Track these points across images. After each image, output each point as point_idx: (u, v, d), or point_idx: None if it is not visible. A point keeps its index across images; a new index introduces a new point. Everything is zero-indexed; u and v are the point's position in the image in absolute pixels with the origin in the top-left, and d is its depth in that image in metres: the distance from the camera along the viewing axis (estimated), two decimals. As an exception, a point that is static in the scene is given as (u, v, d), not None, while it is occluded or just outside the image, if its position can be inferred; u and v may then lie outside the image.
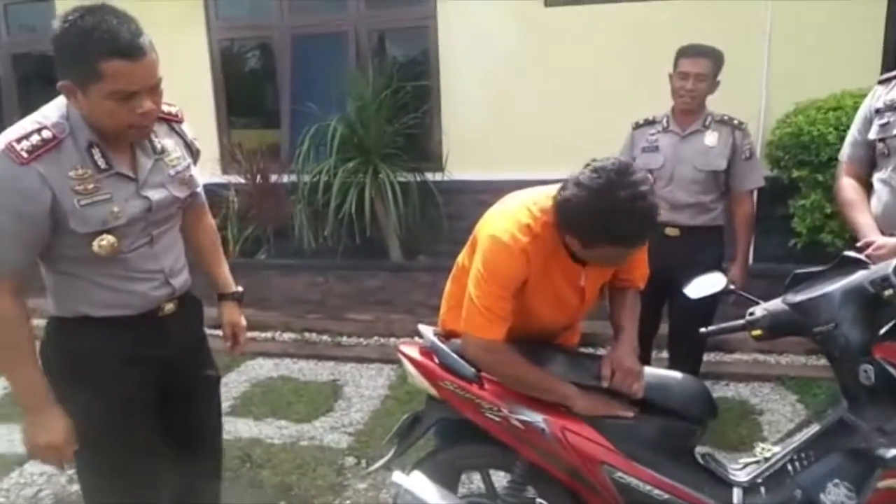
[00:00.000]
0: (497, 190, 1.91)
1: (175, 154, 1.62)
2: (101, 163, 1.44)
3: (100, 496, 1.65)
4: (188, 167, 1.66)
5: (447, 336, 1.88)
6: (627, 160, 1.56)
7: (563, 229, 1.58)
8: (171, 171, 1.59)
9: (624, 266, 1.82)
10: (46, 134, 1.38)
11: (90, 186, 1.41)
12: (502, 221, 1.65)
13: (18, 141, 1.35)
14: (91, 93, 1.33)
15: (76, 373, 1.50)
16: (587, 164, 1.53)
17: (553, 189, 1.66)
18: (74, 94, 1.37)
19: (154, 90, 1.41)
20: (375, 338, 4.43)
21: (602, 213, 1.46)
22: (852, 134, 2.18)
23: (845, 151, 2.22)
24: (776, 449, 1.65)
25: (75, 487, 2.74)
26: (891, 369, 1.47)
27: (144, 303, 1.57)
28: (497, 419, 1.68)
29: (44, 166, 1.36)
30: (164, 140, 1.60)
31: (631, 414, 1.67)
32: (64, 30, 1.32)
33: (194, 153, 1.72)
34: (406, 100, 4.89)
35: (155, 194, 1.54)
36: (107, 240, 1.44)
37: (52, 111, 1.44)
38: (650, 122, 2.88)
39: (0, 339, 1.43)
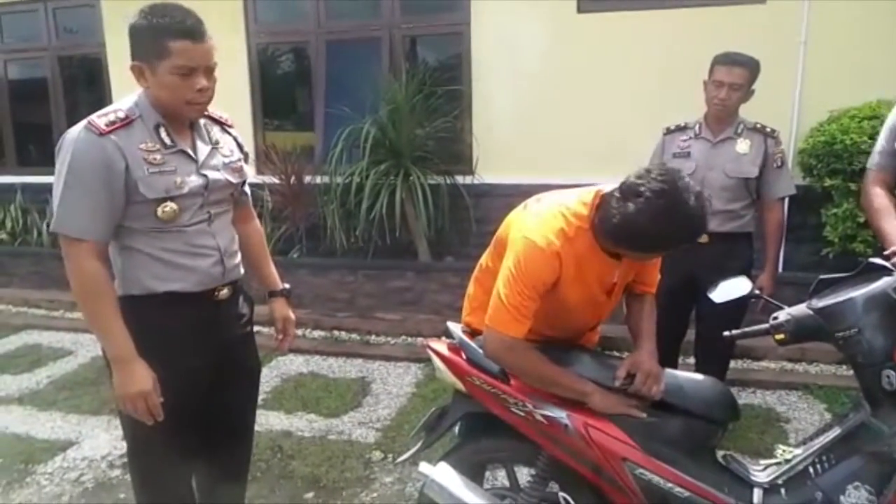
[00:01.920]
0: (526, 193, 1.95)
1: (227, 148, 1.82)
2: (167, 140, 1.65)
3: (144, 469, 1.78)
4: (239, 160, 1.85)
5: (473, 335, 1.93)
6: (671, 167, 1.61)
7: (624, 245, 1.61)
8: (225, 160, 1.79)
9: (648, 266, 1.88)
10: (120, 114, 1.60)
11: (158, 157, 1.61)
12: (537, 225, 1.68)
13: (98, 118, 1.58)
14: (158, 69, 1.56)
15: (138, 349, 1.61)
16: (633, 182, 1.55)
17: (585, 194, 1.71)
18: (143, 74, 1.60)
19: (210, 72, 1.62)
20: (403, 337, 4.51)
21: (675, 219, 1.51)
22: (880, 143, 2.19)
23: (873, 160, 2.22)
24: (797, 451, 1.67)
25: (116, 472, 2.87)
26: (914, 375, 1.49)
27: (202, 279, 1.71)
28: (522, 414, 1.73)
29: (119, 138, 1.57)
30: (218, 136, 1.81)
31: (644, 415, 1.70)
32: (140, 18, 1.57)
33: (244, 154, 1.90)
34: (438, 104, 4.97)
35: (212, 174, 1.73)
36: (170, 206, 1.63)
37: (124, 101, 1.66)
38: (681, 129, 2.89)
39: (92, 296, 1.59)
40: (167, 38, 1.53)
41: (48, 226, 1.64)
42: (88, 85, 6.30)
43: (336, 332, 4.61)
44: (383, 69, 5.22)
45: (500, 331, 1.68)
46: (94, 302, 1.59)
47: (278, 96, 5.92)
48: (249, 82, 5.58)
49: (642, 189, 1.51)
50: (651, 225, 1.51)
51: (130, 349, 1.59)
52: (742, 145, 2.74)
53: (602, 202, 1.65)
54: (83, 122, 1.58)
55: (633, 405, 1.71)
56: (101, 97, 5.78)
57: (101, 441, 3.13)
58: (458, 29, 5.08)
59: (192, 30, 1.56)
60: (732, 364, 3.26)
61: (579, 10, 4.74)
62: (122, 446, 2.92)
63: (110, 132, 1.56)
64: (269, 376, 3.87)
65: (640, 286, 1.92)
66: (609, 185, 1.69)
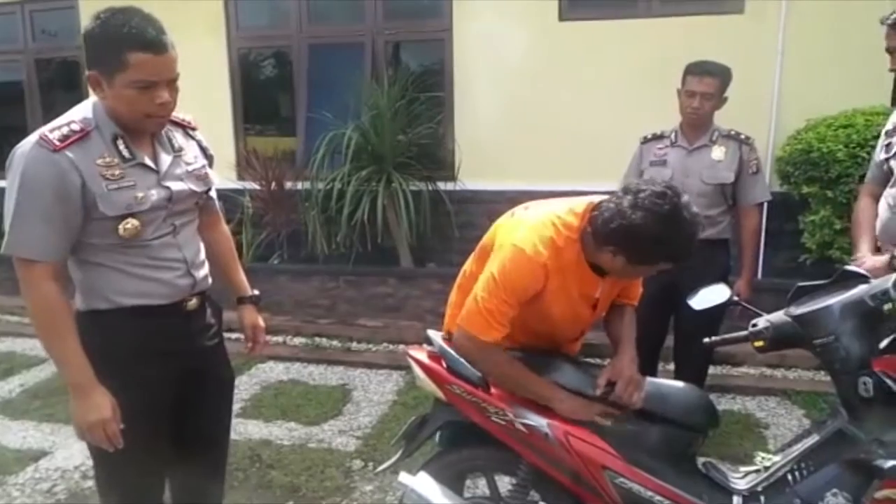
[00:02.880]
0: (508, 200, 1.95)
1: (191, 154, 1.74)
2: (126, 153, 1.56)
3: (112, 484, 1.73)
4: (203, 167, 1.77)
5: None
6: (672, 184, 1.64)
7: (619, 249, 1.61)
8: (188, 168, 1.71)
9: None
10: (75, 126, 1.51)
11: (116, 172, 1.52)
12: (527, 233, 1.68)
13: (51, 132, 1.49)
14: (116, 82, 1.47)
15: (103, 365, 1.56)
16: (636, 188, 1.59)
17: (576, 204, 1.72)
18: (100, 85, 1.50)
19: (172, 84, 1.54)
20: (384, 344, 4.48)
21: (673, 234, 1.56)
22: (873, 156, 2.25)
23: (868, 173, 2.29)
24: (776, 458, 1.68)
25: (89, 483, 2.80)
26: (889, 382, 1.50)
27: (169, 291, 1.66)
28: (502, 423, 1.72)
29: (74, 153, 1.48)
30: (181, 142, 1.73)
31: (608, 422, 1.69)
32: (96, 25, 1.47)
33: (209, 158, 1.82)
34: (420, 110, 4.96)
35: (175, 185, 1.64)
36: (131, 223, 1.55)
37: (79, 110, 1.57)
38: (658, 137, 2.92)
39: (49, 320, 1.52)
40: (125, 50, 1.43)
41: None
42: (66, 88, 6.20)
43: (317, 339, 4.58)
44: (365, 74, 5.20)
45: (472, 334, 1.70)
46: (50, 327, 1.52)
47: (260, 101, 5.87)
48: (230, 87, 5.53)
49: (647, 196, 1.55)
50: (652, 229, 1.54)
51: (89, 375, 1.53)
52: (717, 152, 2.77)
53: (598, 210, 1.65)
54: (34, 136, 1.48)
55: (600, 412, 1.71)
56: (78, 101, 5.63)
57: (74, 451, 3.06)
58: (441, 35, 5.08)
59: (153, 42, 1.45)
60: (712, 370, 3.28)
61: (560, 19, 4.78)
62: (95, 458, 2.88)
63: (64, 147, 1.46)
64: (249, 384, 3.82)
65: (623, 299, 1.95)
66: (599, 196, 1.70)
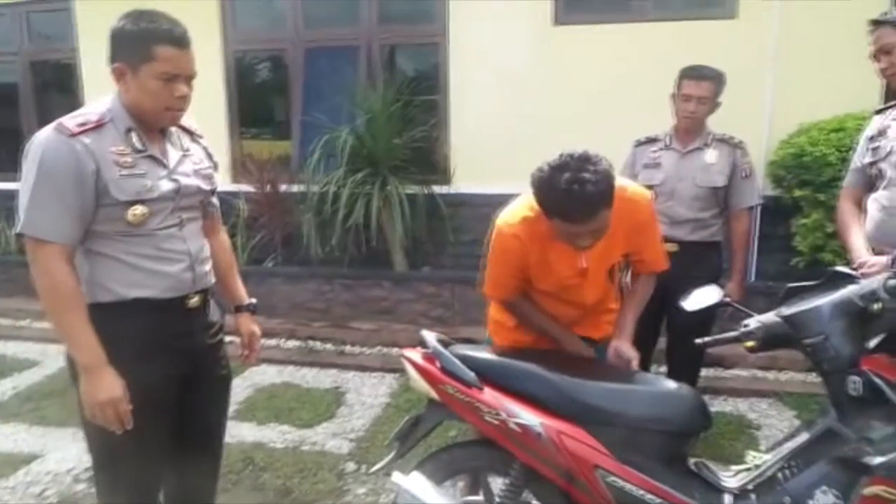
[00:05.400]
0: (502, 204, 1.98)
1: (198, 156, 1.82)
2: (138, 145, 1.63)
3: (111, 480, 1.73)
4: (210, 168, 1.85)
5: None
6: (595, 152, 1.69)
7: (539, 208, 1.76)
8: (196, 167, 1.78)
9: (627, 246, 1.98)
10: (92, 117, 1.59)
11: (129, 160, 1.60)
12: (505, 212, 1.93)
13: (68, 120, 1.56)
14: (141, 72, 1.57)
15: (108, 357, 1.58)
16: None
17: None
18: (124, 76, 1.60)
19: (190, 80, 1.65)
20: (378, 347, 4.48)
21: (546, 190, 1.68)
22: (853, 161, 2.29)
23: (847, 178, 2.31)
24: (766, 457, 1.69)
25: (81, 486, 2.80)
26: (878, 381, 1.52)
27: (172, 284, 1.69)
28: (495, 423, 1.73)
29: (90, 140, 1.55)
30: (188, 144, 1.80)
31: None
32: (126, 22, 1.59)
33: (214, 164, 1.89)
34: (415, 113, 4.98)
35: (183, 179, 1.72)
36: (140, 209, 1.61)
37: (96, 104, 1.65)
38: (652, 140, 2.94)
39: (61, 300, 1.55)
40: (155, 42, 1.55)
41: (17, 235, 1.60)
42: (61, 90, 6.19)
43: (311, 342, 4.57)
44: (360, 78, 5.22)
45: (490, 295, 2.07)
46: (62, 307, 1.56)
47: (255, 104, 5.88)
48: (226, 90, 5.54)
49: (549, 160, 1.70)
50: (537, 188, 1.71)
51: (100, 355, 1.56)
52: (710, 156, 2.79)
53: None
54: (53, 124, 1.56)
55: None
56: (73, 103, 5.66)
57: (66, 454, 3.05)
58: (435, 39, 5.10)
59: (180, 37, 1.59)
60: (704, 372, 3.29)
61: (555, 23, 4.80)
62: (88, 460, 2.86)
63: (80, 134, 1.54)
64: (242, 387, 3.81)
65: (641, 265, 2.07)
66: None
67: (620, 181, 1.82)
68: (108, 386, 1.56)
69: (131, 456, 1.66)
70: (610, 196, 1.66)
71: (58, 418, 3.41)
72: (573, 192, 1.61)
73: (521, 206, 1.89)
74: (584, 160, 1.64)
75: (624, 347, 1.96)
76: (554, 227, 1.74)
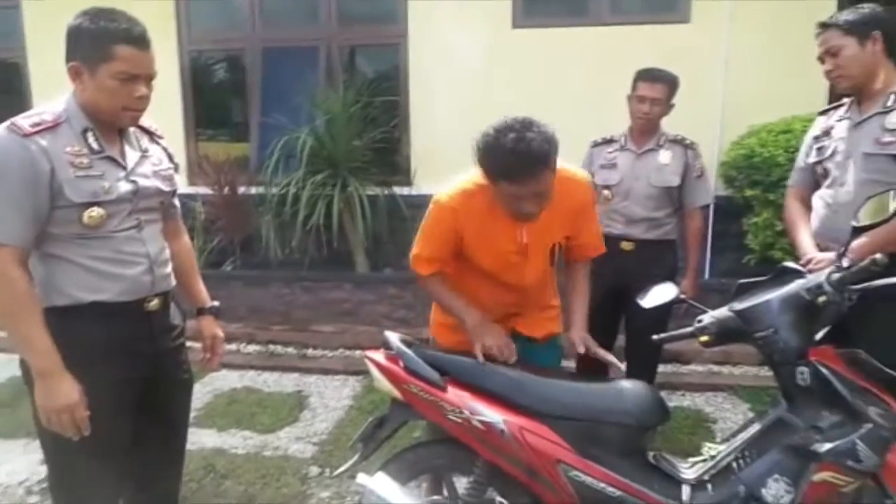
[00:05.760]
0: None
1: (157, 157, 1.79)
2: (95, 146, 1.60)
3: (67, 488, 1.69)
4: (169, 169, 1.81)
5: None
6: (525, 117, 1.76)
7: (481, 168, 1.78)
8: (155, 168, 1.75)
9: (569, 226, 1.99)
10: (46, 117, 1.56)
11: (85, 161, 1.57)
12: (445, 188, 1.94)
13: (22, 119, 1.53)
14: (99, 72, 1.54)
15: (65, 363, 1.54)
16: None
17: None
18: (81, 75, 1.56)
19: (149, 80, 1.62)
20: (341, 349, 4.44)
21: (492, 150, 1.70)
22: (798, 161, 2.37)
23: (792, 177, 2.39)
24: (721, 447, 1.75)
25: (34, 499, 2.71)
26: (825, 371, 1.58)
27: (130, 287, 1.65)
28: (458, 421, 1.74)
29: (44, 140, 1.52)
30: (147, 145, 1.77)
31: (514, 358, 1.85)
32: (84, 19, 1.55)
33: (174, 164, 1.86)
34: (375, 114, 4.97)
35: (142, 181, 1.68)
36: (96, 211, 1.57)
37: (51, 105, 1.61)
38: (608, 141, 3.00)
39: (13, 304, 1.52)
40: (114, 42, 1.52)
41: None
42: (8, 91, 5.98)
43: (271, 346, 4.52)
44: (320, 79, 5.18)
45: (414, 266, 2.02)
46: (15, 311, 1.51)
47: (211, 105, 5.78)
48: (181, 90, 5.44)
49: (494, 123, 1.74)
50: (481, 156, 1.74)
51: (56, 360, 1.53)
52: (664, 156, 2.87)
53: None
54: (6, 124, 1.52)
55: (508, 351, 1.85)
56: (21, 104, 5.48)
57: (17, 466, 2.95)
58: (396, 40, 5.10)
59: (139, 37, 1.56)
60: (662, 368, 3.36)
61: (514, 26, 4.86)
62: (41, 471, 2.78)
63: (35, 134, 1.51)
64: (201, 392, 3.74)
65: (578, 250, 2.06)
66: None
67: (562, 163, 1.87)
68: (65, 391, 1.53)
69: (89, 463, 1.62)
70: (553, 158, 1.70)
71: (7, 430, 3.29)
72: (519, 150, 1.65)
73: (463, 181, 1.92)
74: (529, 122, 1.70)
75: (578, 336, 1.97)
76: (499, 192, 1.76)
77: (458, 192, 1.90)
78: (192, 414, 3.39)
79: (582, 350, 1.93)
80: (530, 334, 2.07)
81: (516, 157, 1.66)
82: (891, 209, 1.66)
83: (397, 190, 4.97)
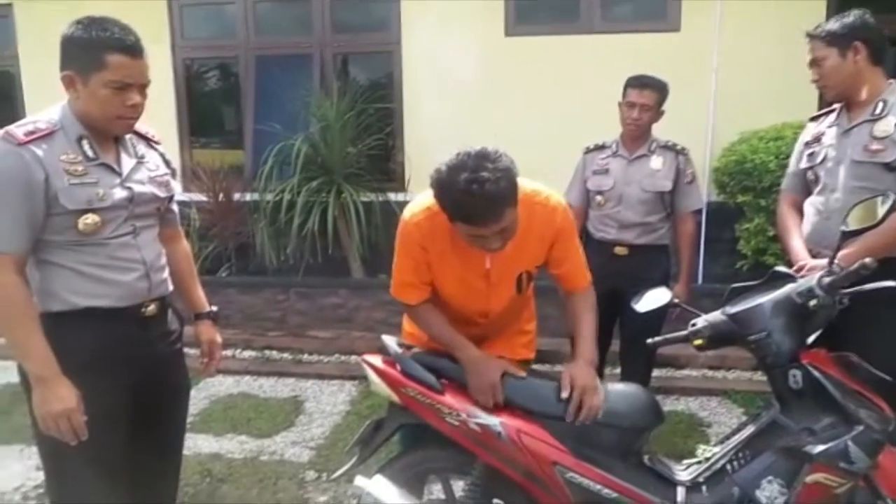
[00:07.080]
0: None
1: (153, 162, 1.79)
2: (90, 153, 1.61)
3: (63, 493, 1.69)
4: (166, 174, 1.82)
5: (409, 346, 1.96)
6: (495, 148, 1.63)
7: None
8: (151, 174, 1.76)
9: (547, 257, 1.87)
10: (41, 125, 1.57)
11: (79, 169, 1.58)
12: (411, 204, 1.86)
13: (15, 128, 1.54)
14: (92, 81, 1.55)
15: (61, 369, 1.55)
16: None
17: None
18: (74, 84, 1.57)
19: (143, 88, 1.62)
20: (336, 355, 4.45)
21: (446, 192, 1.61)
22: (790, 166, 2.39)
23: (785, 182, 2.42)
24: (716, 450, 1.77)
25: (29, 504, 2.70)
26: (817, 374, 1.61)
27: (126, 293, 1.66)
28: (456, 423, 1.76)
29: (38, 148, 1.53)
30: (144, 151, 1.77)
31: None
32: (77, 28, 1.56)
33: (171, 170, 1.87)
34: (369, 121, 4.99)
35: (137, 187, 1.69)
36: (91, 218, 1.58)
37: (45, 113, 1.61)
38: (600, 147, 3.03)
39: (13, 312, 1.53)
40: (106, 51, 1.53)
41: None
42: (0, 99, 5.99)
43: (267, 352, 4.51)
44: (314, 86, 5.20)
45: (395, 294, 1.92)
46: (13, 318, 1.53)
47: (206, 112, 5.80)
48: (175, 98, 5.45)
49: (449, 159, 1.62)
50: (436, 196, 1.65)
51: (53, 366, 1.53)
52: (656, 162, 2.90)
53: None
54: None
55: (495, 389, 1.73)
56: (13, 112, 5.49)
57: (13, 472, 2.94)
58: (389, 48, 5.14)
59: (132, 46, 1.56)
60: (657, 373, 3.40)
61: (506, 34, 4.91)
62: (37, 477, 2.78)
63: (29, 142, 1.52)
64: (197, 398, 3.74)
65: (564, 283, 1.93)
66: None
67: (536, 185, 1.82)
68: (62, 397, 1.53)
69: (87, 469, 1.63)
70: (512, 194, 1.59)
71: (2, 436, 3.28)
72: (473, 193, 1.53)
73: (426, 198, 1.77)
74: (483, 157, 1.57)
75: (581, 378, 1.74)
76: (459, 230, 1.67)
77: (422, 210, 1.80)
78: (189, 419, 3.37)
79: (565, 395, 1.72)
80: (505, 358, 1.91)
81: (471, 200, 1.54)
82: (879, 214, 1.69)
83: (392, 196, 4.99)
